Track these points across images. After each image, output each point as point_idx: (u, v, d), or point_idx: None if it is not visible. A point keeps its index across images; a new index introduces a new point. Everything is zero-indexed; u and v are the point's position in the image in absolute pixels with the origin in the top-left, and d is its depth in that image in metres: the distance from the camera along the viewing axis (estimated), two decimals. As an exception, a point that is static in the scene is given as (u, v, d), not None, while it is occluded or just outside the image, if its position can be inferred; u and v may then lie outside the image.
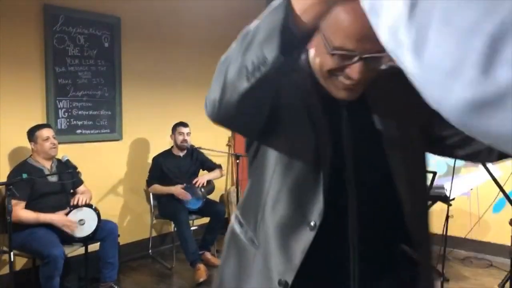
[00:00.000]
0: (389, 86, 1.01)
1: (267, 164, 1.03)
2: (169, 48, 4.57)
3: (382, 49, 0.56)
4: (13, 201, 2.90)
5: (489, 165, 3.34)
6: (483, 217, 4.29)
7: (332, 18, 0.85)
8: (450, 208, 2.91)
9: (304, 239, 0.95)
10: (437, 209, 3.93)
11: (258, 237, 1.03)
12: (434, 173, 3.82)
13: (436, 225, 4.27)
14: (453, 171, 2.67)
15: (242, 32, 0.84)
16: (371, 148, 1.00)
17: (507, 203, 2.68)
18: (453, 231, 3.63)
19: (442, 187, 3.78)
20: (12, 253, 2.90)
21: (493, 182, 2.66)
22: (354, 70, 0.88)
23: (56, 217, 3.22)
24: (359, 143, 1.00)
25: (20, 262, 3.60)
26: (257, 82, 0.79)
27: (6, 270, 3.29)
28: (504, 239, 4.10)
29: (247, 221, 1.08)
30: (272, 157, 1.01)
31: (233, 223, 1.14)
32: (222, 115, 0.89)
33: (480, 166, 2.86)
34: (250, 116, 0.91)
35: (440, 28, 0.44)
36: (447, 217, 2.77)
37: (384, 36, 0.52)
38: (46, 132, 3.38)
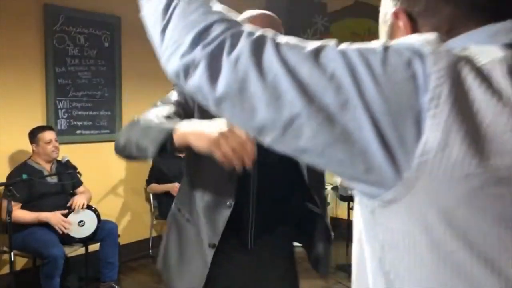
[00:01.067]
0: None
1: (193, 165, 1.47)
2: (169, 48, 4.56)
3: None
4: (7, 202, 2.90)
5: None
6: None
7: None
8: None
9: (224, 214, 1.38)
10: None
11: (192, 217, 1.47)
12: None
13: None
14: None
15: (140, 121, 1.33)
16: None
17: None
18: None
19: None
20: (12, 253, 2.91)
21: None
22: None
23: (52, 216, 3.21)
24: None
25: (20, 262, 3.60)
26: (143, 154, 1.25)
27: (6, 270, 3.29)
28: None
29: (183, 207, 1.52)
30: (196, 160, 1.40)
31: (174, 209, 1.58)
32: (126, 158, 1.38)
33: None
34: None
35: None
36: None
37: None
38: (49, 135, 3.37)
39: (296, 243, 1.68)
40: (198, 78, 0.60)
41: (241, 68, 0.58)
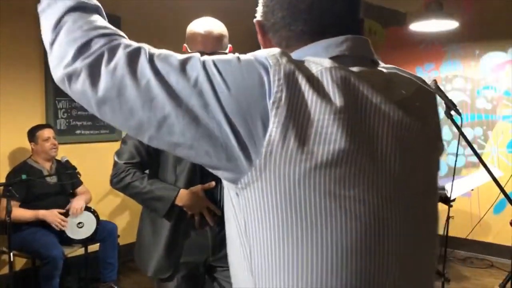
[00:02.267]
0: None
1: (163, 165, 1.78)
2: (169, 48, 4.54)
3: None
4: (6, 201, 2.90)
5: (490, 166, 3.33)
6: (484, 218, 4.28)
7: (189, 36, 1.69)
8: (451, 209, 2.90)
9: None
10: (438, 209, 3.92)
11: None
12: (435, 174, 3.81)
13: (436, 226, 4.29)
14: (454, 172, 2.66)
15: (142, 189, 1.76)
16: None
17: (508, 204, 2.67)
18: (454, 232, 3.63)
19: (443, 188, 3.77)
20: (11, 254, 2.90)
21: (493, 183, 2.65)
22: None
23: (49, 214, 3.20)
24: None
25: (20, 262, 3.59)
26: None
27: (6, 270, 3.28)
28: (505, 239, 4.10)
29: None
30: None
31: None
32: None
33: (481, 167, 2.85)
34: None
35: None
36: (448, 218, 2.76)
37: None
38: (47, 133, 3.37)
39: None
40: (80, 85, 0.71)
41: (118, 75, 0.69)
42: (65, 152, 3.56)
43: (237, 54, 0.71)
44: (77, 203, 3.34)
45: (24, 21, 3.63)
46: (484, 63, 4.41)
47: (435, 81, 2.55)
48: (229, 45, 1.71)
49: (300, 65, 0.69)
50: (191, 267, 1.75)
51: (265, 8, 0.82)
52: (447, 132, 4.64)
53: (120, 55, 0.70)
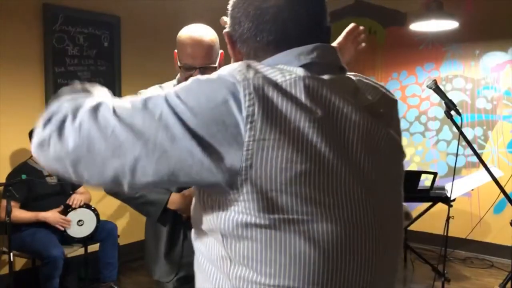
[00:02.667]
0: None
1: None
2: (169, 48, 4.55)
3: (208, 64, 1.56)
4: (6, 202, 2.90)
5: (490, 166, 3.33)
6: (484, 218, 4.28)
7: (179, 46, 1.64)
8: (451, 209, 2.89)
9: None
10: (438, 210, 3.92)
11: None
12: (435, 174, 3.81)
13: (437, 226, 4.25)
14: (454, 172, 2.66)
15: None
16: None
17: (508, 204, 2.67)
18: (454, 232, 3.62)
19: (443, 188, 3.78)
20: (11, 254, 2.90)
21: (494, 183, 2.64)
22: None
23: (50, 215, 3.21)
24: None
25: (20, 262, 3.59)
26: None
27: (6, 270, 3.28)
28: (505, 239, 4.10)
29: None
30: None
31: None
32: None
33: (481, 167, 2.85)
34: None
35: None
36: (448, 218, 2.75)
37: None
38: None
39: None
40: (52, 149, 0.73)
41: (85, 131, 0.71)
42: (65, 152, 3.56)
43: (198, 77, 0.73)
44: (76, 196, 3.39)
45: (24, 21, 3.63)
46: (484, 63, 4.41)
47: (435, 81, 2.55)
48: (221, 51, 1.67)
49: (269, 76, 0.71)
50: (190, 268, 1.76)
51: (232, 20, 0.83)
52: (447, 132, 4.64)
53: (83, 112, 0.73)
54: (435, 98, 4.53)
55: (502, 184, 2.73)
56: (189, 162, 0.68)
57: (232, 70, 0.71)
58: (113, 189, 1.58)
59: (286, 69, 0.73)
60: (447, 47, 4.59)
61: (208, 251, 0.78)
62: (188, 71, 1.62)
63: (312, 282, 0.71)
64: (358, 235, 0.73)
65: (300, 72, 0.73)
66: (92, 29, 4.04)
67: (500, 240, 4.25)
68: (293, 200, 0.69)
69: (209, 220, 0.75)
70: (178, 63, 1.66)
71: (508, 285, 2.96)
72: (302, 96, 0.70)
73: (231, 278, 0.73)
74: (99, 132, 0.71)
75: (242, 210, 0.70)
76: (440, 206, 3.79)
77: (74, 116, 0.73)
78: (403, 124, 4.90)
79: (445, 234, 2.71)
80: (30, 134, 3.36)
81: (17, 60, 3.61)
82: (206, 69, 1.58)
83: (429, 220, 4.13)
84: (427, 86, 2.57)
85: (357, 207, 0.73)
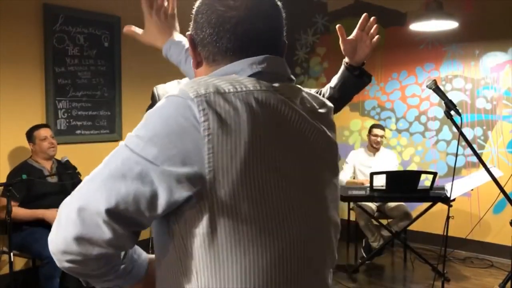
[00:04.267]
0: None
1: None
2: (169, 48, 4.55)
3: None
4: (5, 200, 2.90)
5: (490, 166, 3.33)
6: (484, 217, 4.28)
7: None
8: (451, 209, 2.90)
9: None
10: (438, 209, 3.92)
11: None
12: (435, 174, 3.81)
13: (436, 226, 4.24)
14: (454, 172, 2.66)
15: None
16: None
17: (508, 204, 2.67)
18: (453, 232, 3.63)
19: (443, 188, 3.78)
20: (11, 254, 2.90)
21: (493, 183, 2.65)
22: None
23: (49, 213, 3.20)
24: None
25: (20, 262, 3.59)
26: None
27: (6, 270, 3.28)
28: (504, 239, 4.10)
29: None
30: None
31: None
32: None
33: (481, 167, 2.85)
34: None
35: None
36: (448, 217, 2.76)
37: None
38: (44, 132, 3.38)
39: None
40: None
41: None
42: (65, 152, 3.56)
43: (156, 106, 0.78)
44: None
45: (24, 21, 3.64)
46: (484, 63, 4.41)
47: (435, 81, 2.55)
48: None
49: (220, 89, 0.76)
50: None
51: (195, 24, 0.88)
52: (447, 132, 4.64)
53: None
54: (435, 98, 4.53)
55: (502, 184, 2.73)
56: (159, 190, 0.73)
57: (183, 89, 0.76)
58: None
59: (238, 81, 0.79)
60: (447, 47, 4.59)
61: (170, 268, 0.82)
62: None
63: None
64: (309, 236, 0.82)
65: (250, 83, 0.79)
66: (92, 29, 4.05)
67: (500, 240, 4.25)
68: (250, 207, 0.74)
69: (176, 240, 0.79)
70: None
71: (508, 285, 2.96)
72: (252, 107, 0.76)
73: None
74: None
75: (208, 220, 0.74)
76: (440, 206, 3.79)
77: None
78: (403, 124, 4.90)
79: (445, 234, 2.71)
80: (27, 135, 3.38)
81: (17, 60, 3.61)
82: None
83: (429, 220, 4.14)
84: (427, 86, 2.57)
85: (310, 209, 0.82)
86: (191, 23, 0.91)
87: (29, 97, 3.70)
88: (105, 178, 0.75)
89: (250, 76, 0.82)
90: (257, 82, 0.80)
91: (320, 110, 0.91)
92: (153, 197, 0.73)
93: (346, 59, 1.63)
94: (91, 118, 4.10)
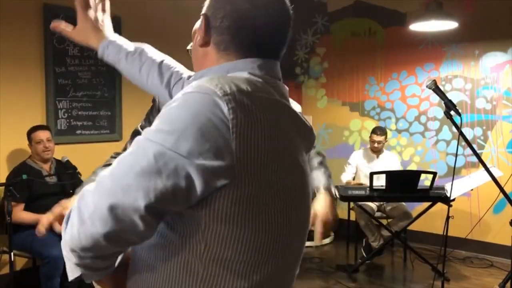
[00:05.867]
0: None
1: None
2: (169, 48, 4.55)
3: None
4: (12, 203, 2.90)
5: (490, 166, 3.33)
6: (484, 217, 4.28)
7: None
8: (451, 208, 2.90)
9: None
10: (438, 209, 3.92)
11: None
12: (435, 174, 3.82)
13: (436, 226, 4.24)
14: (454, 172, 2.67)
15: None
16: None
17: (508, 204, 2.67)
18: (453, 232, 3.63)
19: (443, 188, 3.78)
20: (12, 254, 2.90)
21: (493, 183, 2.65)
22: None
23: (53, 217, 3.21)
24: None
25: (20, 262, 3.60)
26: None
27: (6, 270, 3.29)
28: (504, 239, 4.10)
29: None
30: None
31: None
32: None
33: (481, 167, 2.85)
34: None
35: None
36: (448, 217, 2.76)
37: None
38: (40, 135, 3.36)
39: None
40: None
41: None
42: (65, 152, 3.56)
43: (179, 101, 0.79)
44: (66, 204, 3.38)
45: (24, 21, 3.64)
46: (484, 63, 4.42)
47: (434, 81, 2.56)
48: None
49: (243, 89, 0.80)
50: None
51: (214, 10, 0.90)
52: (447, 132, 4.64)
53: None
54: (435, 98, 4.54)
55: (502, 184, 2.73)
56: (190, 182, 0.76)
57: (206, 86, 0.79)
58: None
59: (250, 80, 0.84)
60: (447, 47, 4.60)
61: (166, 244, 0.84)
62: None
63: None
64: (292, 222, 0.88)
65: (260, 83, 0.86)
66: (92, 29, 4.05)
67: (500, 240, 4.25)
68: (271, 194, 0.82)
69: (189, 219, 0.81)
70: None
71: (508, 284, 2.96)
72: (266, 104, 0.83)
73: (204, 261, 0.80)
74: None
75: (233, 205, 0.79)
76: (440, 206, 3.79)
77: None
78: (403, 124, 4.91)
79: (444, 233, 2.71)
80: (27, 135, 3.38)
81: (17, 60, 3.61)
82: None
83: (428, 220, 4.14)
84: (426, 86, 2.57)
85: (295, 199, 0.88)
86: (207, 3, 0.92)
87: (29, 97, 3.70)
88: (138, 174, 0.75)
89: (258, 76, 0.87)
90: (266, 82, 0.87)
91: (300, 115, 0.99)
92: (190, 190, 0.76)
93: None
94: (92, 118, 4.11)
